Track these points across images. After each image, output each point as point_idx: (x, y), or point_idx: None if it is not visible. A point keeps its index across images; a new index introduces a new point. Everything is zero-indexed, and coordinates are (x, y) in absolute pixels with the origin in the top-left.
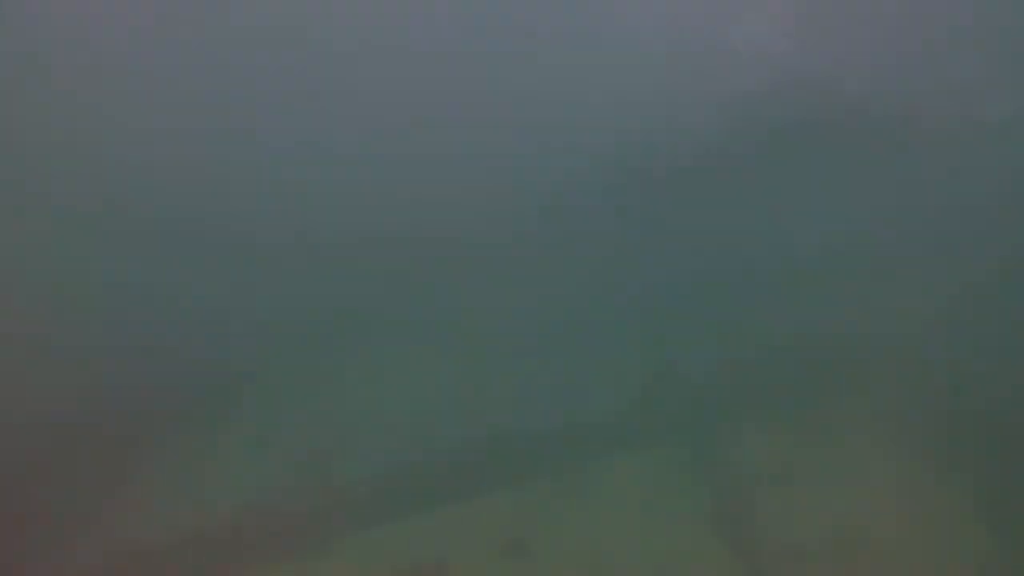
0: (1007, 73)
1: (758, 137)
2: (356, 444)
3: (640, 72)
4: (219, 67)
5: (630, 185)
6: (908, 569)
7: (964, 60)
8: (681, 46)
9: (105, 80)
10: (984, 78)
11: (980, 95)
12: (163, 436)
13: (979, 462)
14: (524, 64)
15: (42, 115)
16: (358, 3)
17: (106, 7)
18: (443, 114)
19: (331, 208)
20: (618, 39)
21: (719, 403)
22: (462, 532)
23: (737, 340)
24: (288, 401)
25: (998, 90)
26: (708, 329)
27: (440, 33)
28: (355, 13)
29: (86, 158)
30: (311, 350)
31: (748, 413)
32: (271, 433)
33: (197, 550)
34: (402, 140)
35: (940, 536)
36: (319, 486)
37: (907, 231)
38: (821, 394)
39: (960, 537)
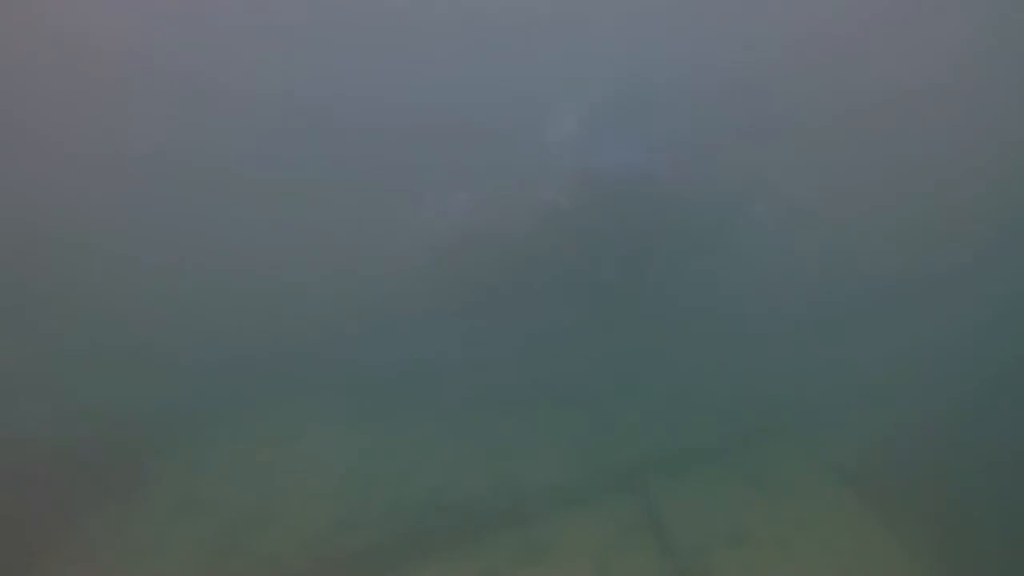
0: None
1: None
2: (281, 513)
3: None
4: None
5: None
6: None
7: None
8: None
9: None
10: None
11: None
12: (76, 509)
13: (939, 522)
14: None
15: None
16: None
17: None
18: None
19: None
20: None
21: (667, 462)
22: None
23: (682, 400)
24: (208, 468)
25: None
26: (648, 389)
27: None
28: None
29: None
30: (228, 414)
31: (699, 473)
32: (190, 502)
33: None
34: None
35: None
36: (240, 560)
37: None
38: (775, 454)
39: None
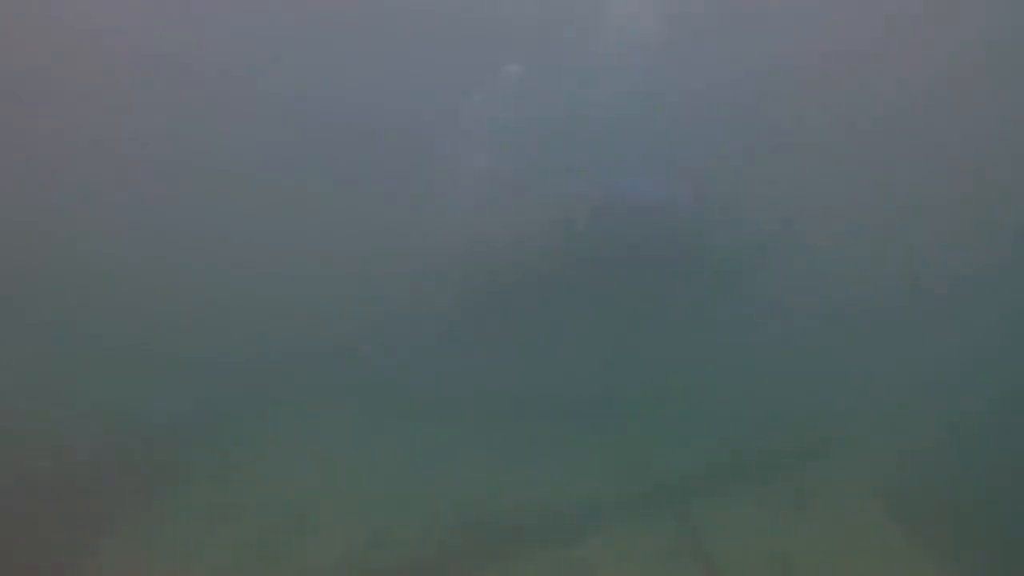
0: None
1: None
2: (315, 523)
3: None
4: None
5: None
6: None
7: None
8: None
9: None
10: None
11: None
12: (107, 514)
13: (988, 549)
14: None
15: None
16: None
17: None
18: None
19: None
20: None
21: (709, 483)
22: None
23: (723, 419)
24: (242, 476)
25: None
26: (688, 408)
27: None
28: None
29: None
30: (262, 421)
31: (742, 495)
32: (222, 511)
33: None
34: None
35: None
36: (272, 569)
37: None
38: (819, 476)
39: None
